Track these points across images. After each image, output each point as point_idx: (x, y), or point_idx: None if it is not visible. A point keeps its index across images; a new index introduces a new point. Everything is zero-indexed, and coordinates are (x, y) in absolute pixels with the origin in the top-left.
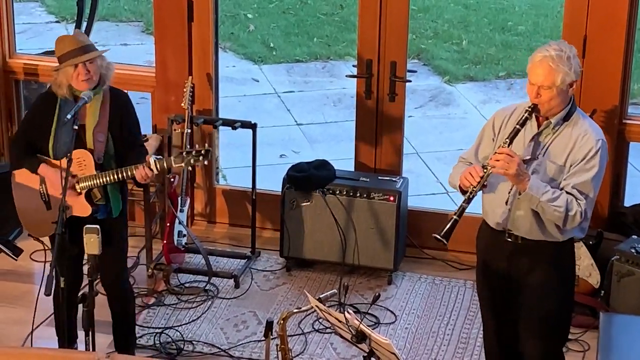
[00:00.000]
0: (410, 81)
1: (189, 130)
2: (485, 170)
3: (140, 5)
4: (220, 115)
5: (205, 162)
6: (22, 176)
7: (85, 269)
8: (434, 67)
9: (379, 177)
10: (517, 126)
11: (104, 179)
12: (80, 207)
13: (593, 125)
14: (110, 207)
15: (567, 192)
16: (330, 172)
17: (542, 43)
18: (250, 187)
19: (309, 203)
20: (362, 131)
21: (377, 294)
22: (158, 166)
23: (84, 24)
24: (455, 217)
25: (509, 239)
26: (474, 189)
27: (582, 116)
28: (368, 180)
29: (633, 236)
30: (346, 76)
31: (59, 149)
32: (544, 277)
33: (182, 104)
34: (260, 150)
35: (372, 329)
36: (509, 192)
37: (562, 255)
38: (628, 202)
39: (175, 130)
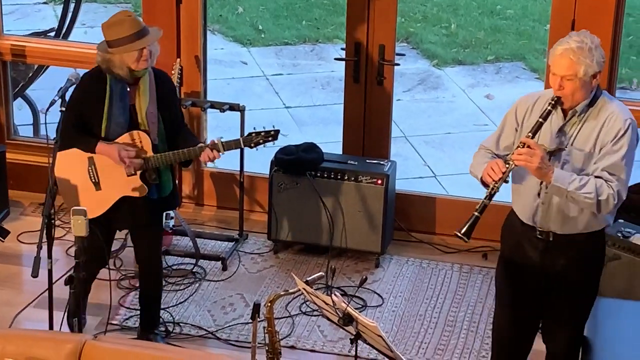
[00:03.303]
0: (398, 64)
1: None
2: (507, 166)
3: None
4: (209, 98)
5: (273, 144)
6: (66, 157)
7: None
8: (423, 51)
9: (367, 161)
10: (540, 120)
11: (169, 161)
12: (137, 188)
13: (620, 105)
14: (161, 186)
15: (597, 176)
16: (318, 155)
17: (530, 27)
18: (238, 169)
19: (296, 186)
20: (350, 114)
21: (364, 277)
22: (226, 148)
23: (72, 5)
24: (476, 213)
25: (540, 237)
26: (496, 185)
27: (608, 98)
28: (356, 163)
29: (620, 220)
30: (335, 59)
31: (113, 130)
32: (576, 272)
33: None
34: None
35: (359, 312)
36: (541, 184)
37: (595, 248)
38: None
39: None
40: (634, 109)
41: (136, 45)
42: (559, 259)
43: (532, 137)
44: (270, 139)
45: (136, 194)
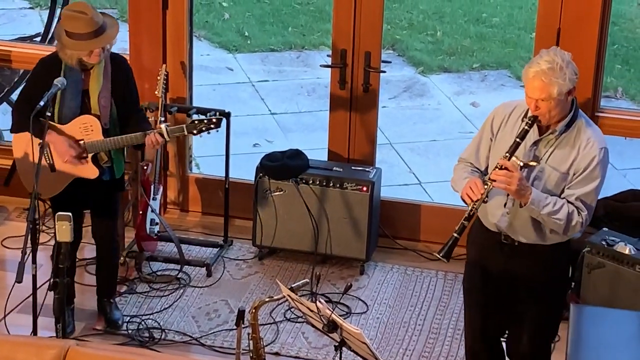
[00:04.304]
0: (384, 72)
1: (163, 119)
2: (485, 187)
3: None
4: (194, 104)
5: (217, 131)
6: (23, 139)
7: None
8: (409, 58)
9: (352, 167)
10: (518, 140)
11: (114, 145)
12: (88, 170)
13: (596, 132)
14: (113, 168)
15: (570, 202)
16: (303, 161)
17: (516, 35)
18: (224, 175)
19: (281, 192)
20: (336, 121)
21: (349, 284)
22: (170, 134)
23: (58, 10)
24: (455, 235)
25: (505, 241)
26: (475, 206)
27: (585, 122)
28: (341, 170)
29: (604, 228)
30: (320, 66)
31: (65, 114)
32: (541, 279)
33: (156, 92)
34: (233, 139)
35: (344, 319)
36: (508, 195)
37: (559, 257)
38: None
39: (148, 118)
40: (619, 118)
41: (89, 45)
42: (524, 264)
43: (510, 157)
44: (212, 126)
45: (88, 176)
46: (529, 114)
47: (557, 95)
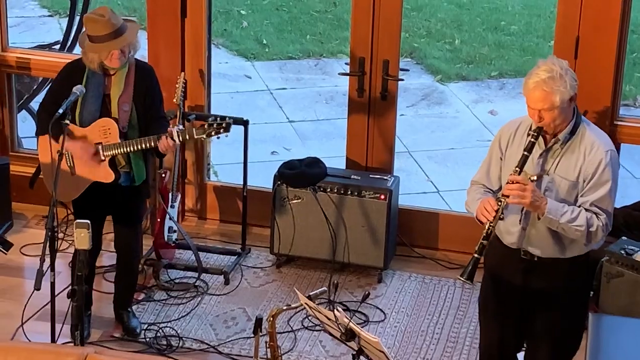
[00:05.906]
0: (402, 80)
1: (181, 126)
2: (499, 204)
3: (134, 0)
4: (212, 112)
5: (226, 135)
6: (47, 141)
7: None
8: (427, 66)
9: (370, 175)
10: (525, 153)
11: (127, 148)
12: (104, 174)
13: (600, 135)
14: (133, 174)
15: (587, 209)
16: (321, 169)
17: (534, 43)
18: (242, 183)
19: (299, 200)
20: (354, 129)
21: (366, 292)
22: (180, 137)
23: (77, 18)
24: (475, 255)
25: (524, 257)
26: (491, 224)
27: (588, 127)
28: (359, 178)
29: (623, 237)
30: (339, 74)
31: (85, 117)
32: (561, 293)
33: (174, 100)
34: (251, 147)
35: (362, 327)
36: (522, 211)
37: (578, 270)
38: (618, 203)
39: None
40: (638, 127)
41: (107, 46)
42: (544, 279)
43: (520, 171)
44: (222, 131)
45: (104, 180)
46: (534, 126)
47: (559, 103)
